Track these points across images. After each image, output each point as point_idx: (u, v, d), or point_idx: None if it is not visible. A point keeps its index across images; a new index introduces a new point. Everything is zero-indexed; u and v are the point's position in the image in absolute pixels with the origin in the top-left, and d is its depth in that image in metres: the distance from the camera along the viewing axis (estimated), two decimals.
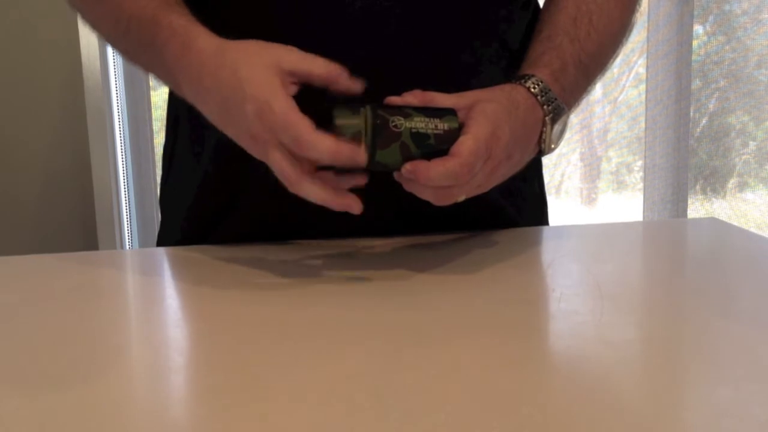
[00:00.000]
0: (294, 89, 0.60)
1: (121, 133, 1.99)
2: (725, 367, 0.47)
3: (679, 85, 2.13)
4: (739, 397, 0.42)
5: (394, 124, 0.60)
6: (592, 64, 0.75)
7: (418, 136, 0.60)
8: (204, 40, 0.63)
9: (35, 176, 1.93)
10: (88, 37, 1.87)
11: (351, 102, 0.61)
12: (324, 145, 0.57)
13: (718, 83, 2.19)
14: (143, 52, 0.68)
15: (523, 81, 0.69)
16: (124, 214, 2.03)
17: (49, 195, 1.94)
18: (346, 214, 0.61)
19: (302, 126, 0.57)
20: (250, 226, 0.78)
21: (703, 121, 2.21)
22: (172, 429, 0.41)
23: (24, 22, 1.86)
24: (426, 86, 0.65)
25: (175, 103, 0.83)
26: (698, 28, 2.15)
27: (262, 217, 0.77)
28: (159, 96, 2.02)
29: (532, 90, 0.68)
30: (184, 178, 0.83)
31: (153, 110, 2.01)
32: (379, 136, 0.59)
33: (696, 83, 2.16)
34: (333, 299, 0.61)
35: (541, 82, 0.69)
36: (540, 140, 0.69)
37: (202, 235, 0.80)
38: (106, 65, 1.89)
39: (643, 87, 2.16)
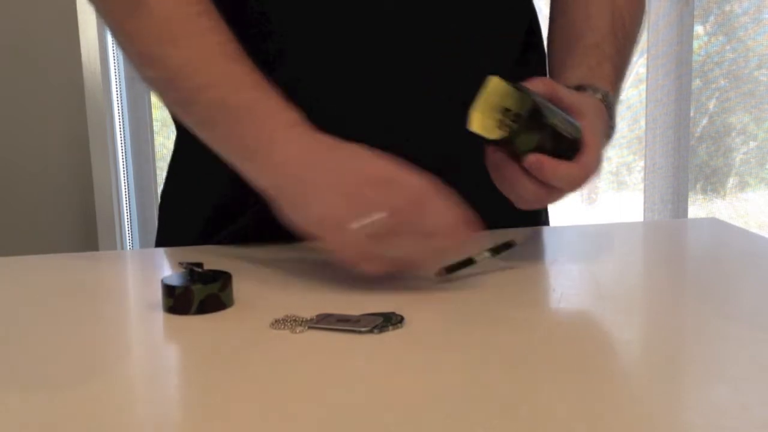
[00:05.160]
0: None
1: (121, 133, 1.99)
2: (725, 367, 0.47)
3: (679, 85, 2.13)
4: (738, 397, 0.42)
5: (544, 115, 0.61)
6: (625, 69, 0.80)
7: (557, 136, 0.62)
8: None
9: (35, 176, 1.93)
10: (87, 38, 1.87)
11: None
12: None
13: (719, 83, 2.19)
14: (205, 129, 0.68)
15: (601, 98, 0.72)
16: (125, 214, 2.03)
17: (49, 195, 1.94)
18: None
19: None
20: (256, 227, 0.78)
21: (704, 121, 2.21)
22: (171, 430, 0.41)
23: (24, 22, 1.86)
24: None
25: None
26: (698, 28, 2.15)
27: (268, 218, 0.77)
28: None
29: (606, 107, 0.72)
30: (199, 177, 0.82)
31: (153, 110, 2.01)
32: (531, 119, 0.60)
33: (696, 83, 2.16)
34: (333, 298, 0.61)
35: (609, 97, 0.73)
36: None
37: (214, 233, 0.80)
38: (106, 65, 1.89)
39: (643, 87, 2.16)
